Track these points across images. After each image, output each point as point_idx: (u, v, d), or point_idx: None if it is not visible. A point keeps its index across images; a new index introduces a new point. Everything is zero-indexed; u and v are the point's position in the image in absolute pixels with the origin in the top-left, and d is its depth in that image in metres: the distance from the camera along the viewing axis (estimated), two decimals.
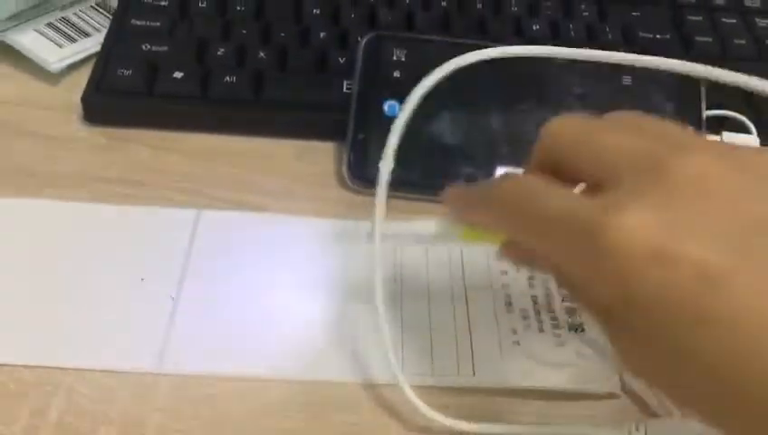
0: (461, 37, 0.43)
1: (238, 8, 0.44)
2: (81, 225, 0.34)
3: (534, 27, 0.45)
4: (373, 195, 0.37)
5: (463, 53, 0.39)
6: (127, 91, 0.39)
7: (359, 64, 0.39)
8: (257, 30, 0.43)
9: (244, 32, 0.42)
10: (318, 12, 0.44)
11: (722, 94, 0.40)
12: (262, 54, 0.41)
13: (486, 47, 0.39)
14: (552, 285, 0.34)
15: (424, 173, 0.37)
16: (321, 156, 0.39)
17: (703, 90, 0.39)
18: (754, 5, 0.49)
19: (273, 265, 0.33)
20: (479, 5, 0.46)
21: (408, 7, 0.45)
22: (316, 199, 0.37)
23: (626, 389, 0.30)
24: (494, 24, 0.45)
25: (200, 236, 0.34)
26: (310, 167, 0.38)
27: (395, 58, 0.39)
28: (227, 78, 0.39)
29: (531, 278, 0.34)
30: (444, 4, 0.46)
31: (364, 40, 0.39)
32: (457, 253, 0.35)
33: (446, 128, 0.38)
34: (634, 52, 0.43)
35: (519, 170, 0.26)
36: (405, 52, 0.39)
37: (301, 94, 0.40)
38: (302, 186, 0.37)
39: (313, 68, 0.41)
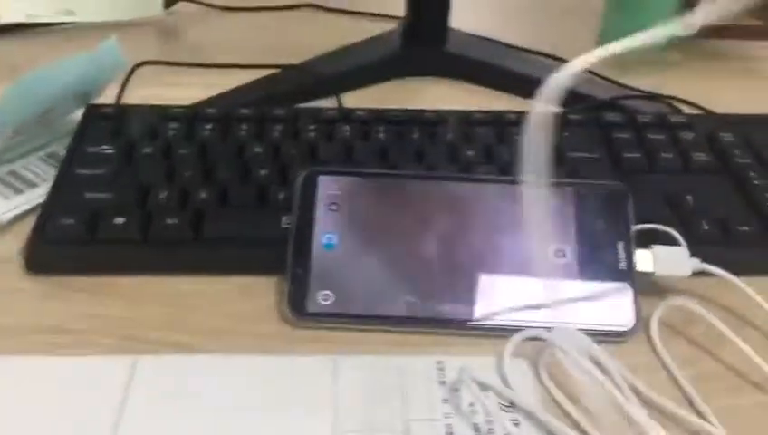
0: (398, 167, 0.44)
1: (182, 151, 0.45)
2: (9, 379, 0.34)
3: (469, 153, 0.46)
4: (314, 328, 0.37)
5: (397, 182, 0.41)
6: (68, 240, 0.40)
7: (296, 200, 0.40)
8: (200, 170, 0.44)
9: (188, 174, 0.44)
10: (260, 150, 0.46)
11: (649, 207, 0.42)
12: (203, 195, 0.42)
13: (424, 178, 0.41)
14: (494, 410, 0.33)
15: (365, 304, 0.37)
16: (262, 291, 0.39)
17: (630, 205, 0.40)
18: (680, 120, 0.51)
19: (210, 410, 0.33)
20: (416, 135, 0.48)
21: (346, 140, 0.47)
22: (257, 336, 0.37)
23: None
24: (431, 152, 0.46)
25: (136, 385, 0.34)
26: (251, 303, 0.39)
27: (331, 192, 0.40)
28: (168, 220, 0.40)
29: (471, 405, 0.34)
30: (381, 135, 0.48)
31: (300, 176, 0.40)
32: (397, 383, 0.34)
33: (383, 258, 0.38)
34: (564, 172, 0.45)
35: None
36: (340, 185, 0.40)
37: (240, 230, 0.40)
38: (243, 323, 0.38)
39: (254, 204, 0.42)
